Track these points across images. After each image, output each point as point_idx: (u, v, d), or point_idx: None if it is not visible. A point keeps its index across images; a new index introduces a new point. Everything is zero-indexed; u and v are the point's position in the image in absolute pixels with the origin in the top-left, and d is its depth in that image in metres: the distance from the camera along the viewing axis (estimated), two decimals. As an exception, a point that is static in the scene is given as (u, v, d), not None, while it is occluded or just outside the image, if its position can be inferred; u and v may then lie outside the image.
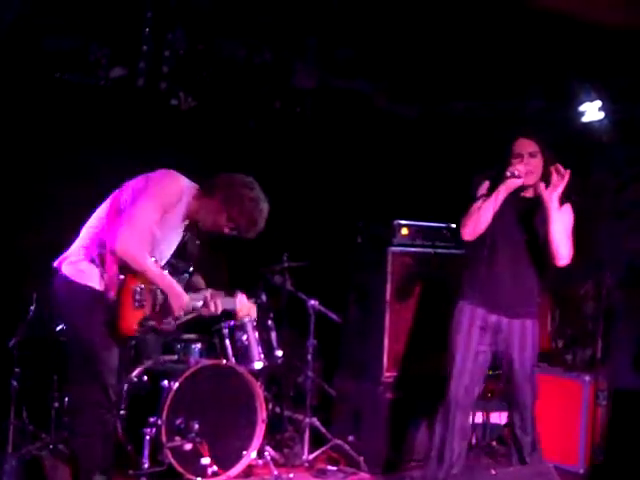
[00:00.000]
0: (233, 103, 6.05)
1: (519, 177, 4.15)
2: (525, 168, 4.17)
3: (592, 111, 5.70)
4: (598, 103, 5.64)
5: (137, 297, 3.64)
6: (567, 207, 4.24)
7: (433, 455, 4.30)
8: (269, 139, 6.41)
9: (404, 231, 5.22)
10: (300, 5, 5.26)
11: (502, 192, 4.14)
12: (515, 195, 4.22)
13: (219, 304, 4.19)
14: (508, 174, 4.14)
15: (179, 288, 3.81)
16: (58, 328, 4.88)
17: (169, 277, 3.80)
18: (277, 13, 5.40)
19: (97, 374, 3.60)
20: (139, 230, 3.58)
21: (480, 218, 4.16)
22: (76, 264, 3.66)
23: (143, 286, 3.68)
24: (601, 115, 5.68)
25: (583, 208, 4.40)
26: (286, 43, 5.82)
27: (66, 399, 4.67)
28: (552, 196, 4.10)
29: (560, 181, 4.07)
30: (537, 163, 4.22)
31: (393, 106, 6.61)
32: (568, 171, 4.06)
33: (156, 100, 5.60)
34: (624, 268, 5.71)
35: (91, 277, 3.63)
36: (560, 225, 4.14)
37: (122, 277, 3.60)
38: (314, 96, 6.29)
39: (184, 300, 3.81)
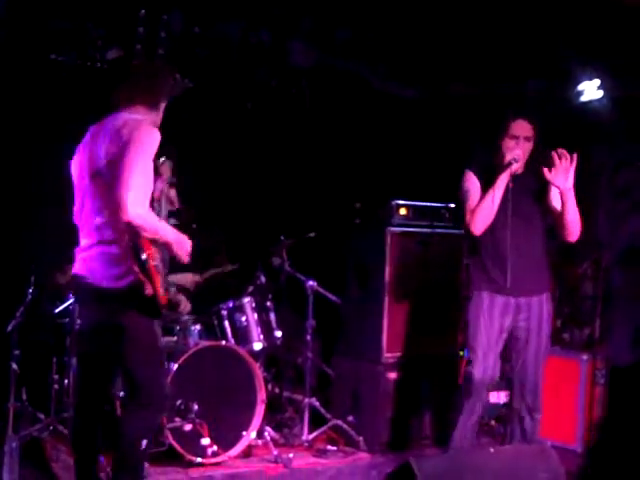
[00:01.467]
0: (230, 84, 6.01)
1: (518, 162, 4.19)
2: (521, 151, 4.21)
3: (591, 90, 5.67)
4: (597, 82, 5.62)
5: (158, 269, 3.39)
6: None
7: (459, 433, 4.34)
8: (266, 119, 6.38)
9: (403, 211, 5.21)
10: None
11: (504, 179, 4.17)
12: None
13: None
14: (512, 160, 4.16)
15: (177, 233, 3.54)
16: (57, 310, 4.91)
17: (168, 226, 3.55)
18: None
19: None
20: (143, 190, 3.28)
21: (488, 210, 4.19)
22: (126, 276, 3.37)
23: (156, 257, 3.40)
24: (600, 94, 5.65)
25: (583, 187, 4.39)
26: (283, 23, 5.78)
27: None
28: (567, 185, 4.11)
29: (570, 166, 4.09)
30: (529, 147, 4.26)
31: (391, 86, 6.58)
32: (575, 155, 4.08)
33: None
34: (623, 248, 5.71)
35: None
36: (573, 207, 4.19)
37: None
38: (311, 76, 6.26)
39: (188, 243, 3.56)
